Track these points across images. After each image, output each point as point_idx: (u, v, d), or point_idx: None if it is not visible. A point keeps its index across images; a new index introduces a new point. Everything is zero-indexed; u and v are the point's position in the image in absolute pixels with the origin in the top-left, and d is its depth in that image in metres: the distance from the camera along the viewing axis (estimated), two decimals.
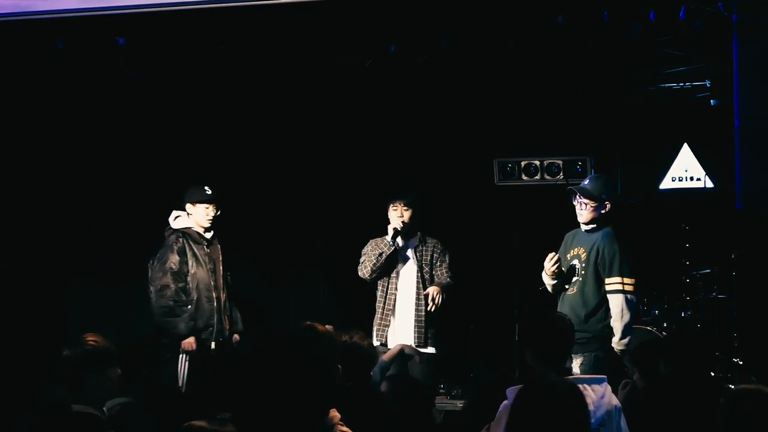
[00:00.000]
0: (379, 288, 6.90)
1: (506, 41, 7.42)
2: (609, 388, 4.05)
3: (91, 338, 4.25)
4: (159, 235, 6.85)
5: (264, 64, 7.88)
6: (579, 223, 6.24)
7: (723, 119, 6.93)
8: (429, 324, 6.77)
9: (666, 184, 9.26)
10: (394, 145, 8.92)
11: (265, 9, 6.84)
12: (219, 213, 6.78)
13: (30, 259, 8.19)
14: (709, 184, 9.00)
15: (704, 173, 9.04)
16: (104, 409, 4.29)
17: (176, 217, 6.82)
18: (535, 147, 8.90)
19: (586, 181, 6.28)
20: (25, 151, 8.20)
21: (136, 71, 7.94)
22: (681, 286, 8.49)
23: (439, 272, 6.88)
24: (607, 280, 6.03)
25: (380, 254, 6.79)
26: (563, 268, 6.17)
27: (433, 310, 6.74)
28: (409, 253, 6.89)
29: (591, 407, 3.86)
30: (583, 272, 6.11)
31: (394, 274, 6.85)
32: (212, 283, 6.69)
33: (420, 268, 6.83)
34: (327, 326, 5.96)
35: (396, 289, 6.85)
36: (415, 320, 6.77)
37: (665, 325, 8.26)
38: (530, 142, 8.95)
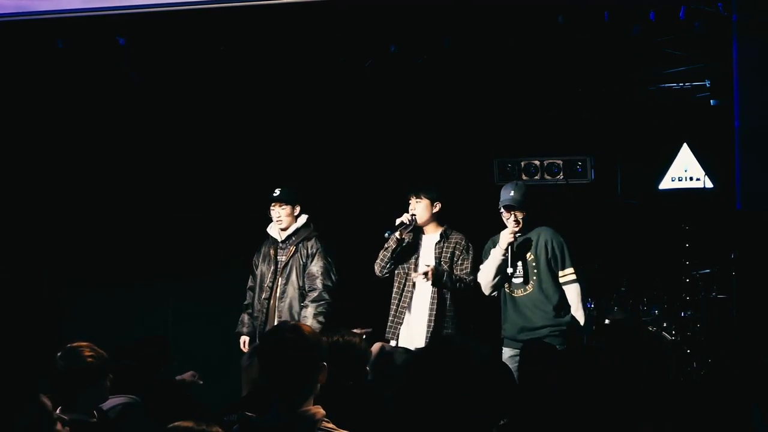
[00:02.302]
0: (395, 283, 6.71)
1: (506, 41, 7.41)
2: None
3: (88, 353, 4.19)
4: (159, 234, 6.90)
5: (264, 64, 7.88)
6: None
7: (723, 119, 6.93)
8: (442, 324, 6.56)
9: (666, 184, 9.26)
10: (395, 146, 8.93)
11: (265, 9, 6.84)
12: (294, 213, 7.00)
13: (29, 260, 8.19)
14: (709, 184, 9.00)
15: (704, 173, 9.04)
16: (104, 410, 4.29)
17: None
18: (535, 147, 8.91)
19: (511, 193, 6.35)
20: (25, 152, 8.20)
21: (136, 71, 7.94)
22: (681, 286, 8.50)
23: (457, 269, 6.63)
24: (561, 273, 6.30)
25: (386, 248, 6.62)
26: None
27: (417, 280, 6.53)
28: (429, 248, 6.68)
29: None
30: (536, 271, 6.31)
31: (411, 270, 6.65)
32: (267, 284, 6.91)
33: (438, 265, 6.59)
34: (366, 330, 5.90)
35: (413, 285, 6.65)
36: (428, 319, 6.57)
37: (665, 325, 8.26)
38: (530, 142, 8.96)
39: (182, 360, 7.05)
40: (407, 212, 6.70)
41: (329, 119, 8.85)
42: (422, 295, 6.65)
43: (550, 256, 6.29)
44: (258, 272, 7.04)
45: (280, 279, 6.90)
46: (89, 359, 4.18)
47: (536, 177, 8.74)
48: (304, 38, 7.41)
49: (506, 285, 6.43)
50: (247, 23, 7.17)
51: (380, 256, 6.68)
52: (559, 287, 6.30)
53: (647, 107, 9.03)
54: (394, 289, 6.72)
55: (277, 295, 6.89)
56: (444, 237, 6.70)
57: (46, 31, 7.22)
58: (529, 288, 6.33)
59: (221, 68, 7.91)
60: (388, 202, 7.02)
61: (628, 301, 8.32)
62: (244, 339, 7.03)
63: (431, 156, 8.95)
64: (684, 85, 8.63)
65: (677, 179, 9.22)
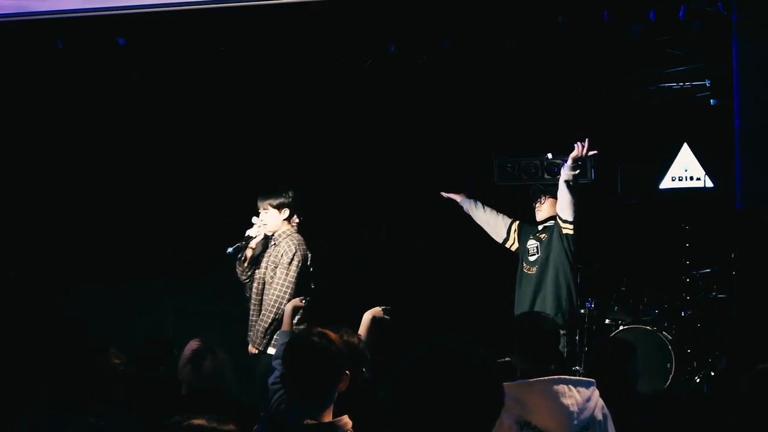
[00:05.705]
0: (252, 288, 6.56)
1: (506, 41, 7.42)
2: (597, 392, 3.94)
3: (116, 360, 4.17)
4: (159, 235, 6.88)
5: (264, 64, 7.89)
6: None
7: (723, 119, 6.94)
8: (267, 327, 6.29)
9: (666, 183, 9.26)
10: (395, 146, 8.93)
11: (265, 9, 6.84)
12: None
13: (29, 260, 8.20)
14: (709, 184, 9.00)
15: (704, 173, 9.04)
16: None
17: None
18: (535, 147, 8.90)
19: None
20: (25, 152, 8.21)
21: (136, 71, 7.95)
22: (681, 286, 8.49)
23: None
24: None
25: (237, 259, 6.49)
26: None
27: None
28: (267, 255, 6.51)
29: (574, 408, 3.81)
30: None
31: (256, 278, 6.52)
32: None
33: (264, 271, 6.47)
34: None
35: (257, 293, 6.50)
36: (252, 324, 6.43)
37: (665, 325, 8.26)
38: (530, 141, 8.95)
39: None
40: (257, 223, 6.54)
41: (329, 119, 8.85)
42: (256, 303, 6.52)
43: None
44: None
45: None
46: (120, 368, 4.18)
47: (536, 177, 8.74)
48: (304, 38, 7.41)
49: None
50: (246, 23, 7.17)
51: (236, 265, 6.55)
52: None
53: (647, 107, 9.04)
54: (251, 293, 6.56)
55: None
56: (275, 244, 6.48)
57: (46, 31, 7.23)
58: None
59: (221, 68, 7.91)
60: (387, 201, 7.01)
61: (628, 301, 8.31)
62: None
63: (431, 156, 8.95)
64: (684, 85, 8.63)
65: (677, 179, 9.22)
